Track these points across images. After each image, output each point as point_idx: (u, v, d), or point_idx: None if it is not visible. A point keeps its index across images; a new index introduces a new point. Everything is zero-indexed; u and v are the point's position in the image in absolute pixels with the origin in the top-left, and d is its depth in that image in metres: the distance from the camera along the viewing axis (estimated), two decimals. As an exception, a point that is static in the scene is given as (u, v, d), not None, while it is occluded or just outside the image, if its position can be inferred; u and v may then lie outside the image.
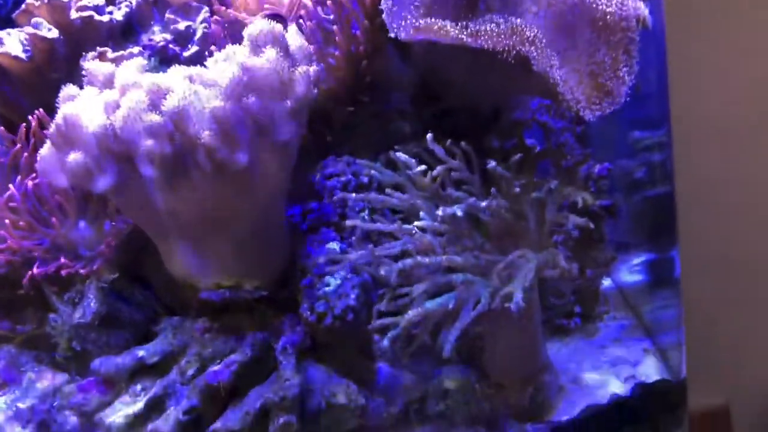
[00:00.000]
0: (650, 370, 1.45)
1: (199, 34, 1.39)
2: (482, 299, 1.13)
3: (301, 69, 1.05)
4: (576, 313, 1.54)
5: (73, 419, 1.23)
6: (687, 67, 1.38)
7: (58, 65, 1.32)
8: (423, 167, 1.18)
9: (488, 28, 1.08)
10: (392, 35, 1.13)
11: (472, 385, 1.36)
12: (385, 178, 1.23)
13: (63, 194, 1.19)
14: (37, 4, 1.31)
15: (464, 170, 1.21)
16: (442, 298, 1.16)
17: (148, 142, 1.00)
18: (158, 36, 1.38)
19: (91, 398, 1.22)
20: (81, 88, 1.10)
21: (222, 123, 0.98)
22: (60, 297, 1.23)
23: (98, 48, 1.26)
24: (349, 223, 1.19)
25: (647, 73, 1.30)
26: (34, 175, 1.19)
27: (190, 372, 1.22)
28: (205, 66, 1.10)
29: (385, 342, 1.13)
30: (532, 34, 1.08)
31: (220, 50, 1.11)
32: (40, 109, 1.22)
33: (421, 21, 1.11)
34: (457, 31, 1.08)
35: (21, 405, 1.22)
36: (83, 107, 1.04)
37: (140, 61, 1.11)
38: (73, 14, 1.32)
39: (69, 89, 1.08)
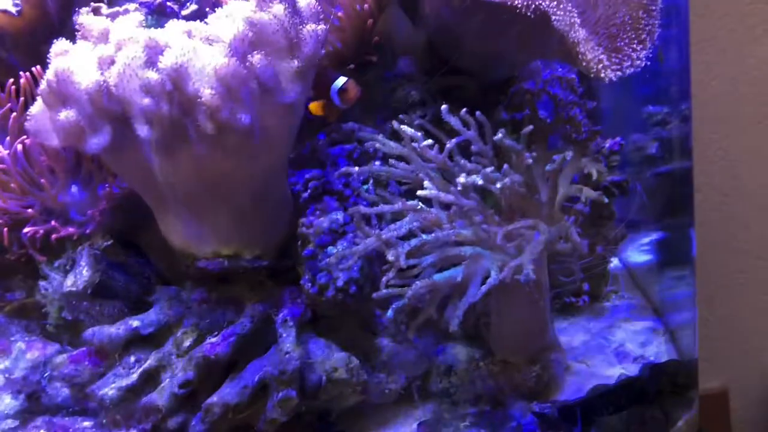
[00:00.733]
0: (659, 351, 1.42)
1: (198, -8, 1.32)
2: (492, 273, 1.09)
3: (310, 27, 0.99)
4: (585, 292, 1.49)
5: (64, 391, 1.18)
6: (706, 44, 1.33)
7: (49, 21, 1.26)
8: (429, 141, 1.13)
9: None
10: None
11: (476, 362, 1.32)
12: (390, 150, 1.18)
13: (54, 155, 1.13)
14: (28, -43, 1.25)
15: (478, 142, 1.16)
16: (450, 271, 1.12)
17: (145, 101, 0.94)
18: (156, -7, 1.32)
19: (83, 369, 1.17)
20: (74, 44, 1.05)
21: (225, 81, 0.92)
22: (50, 264, 1.18)
23: (92, 3, 1.20)
24: (351, 211, 1.13)
25: (669, 47, 1.25)
26: (24, 136, 1.13)
27: (187, 344, 1.17)
28: (205, 23, 1.04)
29: (390, 313, 1.09)
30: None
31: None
32: (37, 67, 1.15)
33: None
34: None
35: (11, 375, 1.17)
36: (76, 63, 0.98)
37: (137, 16, 1.05)
38: (67, -32, 1.26)
39: (61, 44, 1.02)
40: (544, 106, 1.50)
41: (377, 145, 1.15)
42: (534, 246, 1.10)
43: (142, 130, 0.96)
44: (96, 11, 1.17)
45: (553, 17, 0.99)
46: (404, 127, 1.12)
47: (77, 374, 1.17)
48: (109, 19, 1.06)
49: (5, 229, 1.12)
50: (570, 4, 1.01)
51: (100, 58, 0.98)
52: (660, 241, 1.64)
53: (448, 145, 1.14)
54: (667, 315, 1.50)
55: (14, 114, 1.13)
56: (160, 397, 1.14)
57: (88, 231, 1.12)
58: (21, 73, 1.20)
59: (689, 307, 1.39)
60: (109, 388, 1.15)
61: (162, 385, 1.15)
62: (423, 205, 1.12)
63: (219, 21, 1.01)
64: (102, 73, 0.97)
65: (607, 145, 1.58)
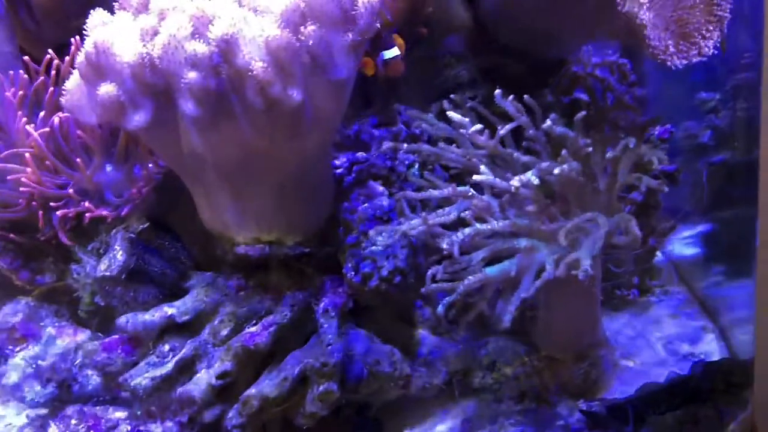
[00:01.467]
0: (710, 349, 1.36)
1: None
2: (547, 266, 1.03)
3: (364, -2, 0.92)
4: (634, 285, 1.43)
5: (95, 379, 1.14)
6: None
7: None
8: (479, 126, 1.06)
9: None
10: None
11: (521, 357, 1.27)
12: (438, 132, 1.12)
13: (90, 133, 1.07)
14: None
15: (532, 128, 1.10)
16: (504, 264, 1.06)
17: (191, 75, 0.88)
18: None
19: (115, 357, 1.13)
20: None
21: (276, 54, 0.86)
22: (83, 247, 1.12)
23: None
24: (399, 195, 1.07)
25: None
26: (59, 112, 1.07)
27: (224, 332, 1.12)
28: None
29: (440, 308, 1.03)
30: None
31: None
32: (75, 38, 1.09)
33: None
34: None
35: (41, 362, 1.13)
36: (116, 34, 0.93)
37: (180, -15, 0.99)
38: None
39: (100, 14, 0.96)
40: (594, 90, 1.44)
41: (425, 125, 1.09)
42: (594, 240, 1.04)
43: (187, 106, 0.90)
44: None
45: (620, -3, 0.93)
46: (451, 113, 1.05)
47: (110, 362, 1.12)
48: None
49: (38, 209, 1.07)
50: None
51: (142, 29, 0.92)
52: (708, 234, 1.57)
53: (500, 132, 1.08)
54: (717, 311, 1.44)
55: (50, 89, 1.08)
56: (196, 387, 1.09)
57: (123, 213, 1.07)
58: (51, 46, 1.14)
59: (744, 304, 1.33)
60: (143, 378, 1.10)
61: (198, 375, 1.10)
62: (474, 192, 1.06)
63: (268, -9, 0.95)
64: (144, 45, 0.91)
65: (656, 132, 1.51)
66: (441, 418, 1.23)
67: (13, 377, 1.11)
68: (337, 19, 0.90)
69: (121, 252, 1.08)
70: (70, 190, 1.09)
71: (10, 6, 1.22)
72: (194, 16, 0.89)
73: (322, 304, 1.14)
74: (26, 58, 1.15)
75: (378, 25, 0.95)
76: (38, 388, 1.11)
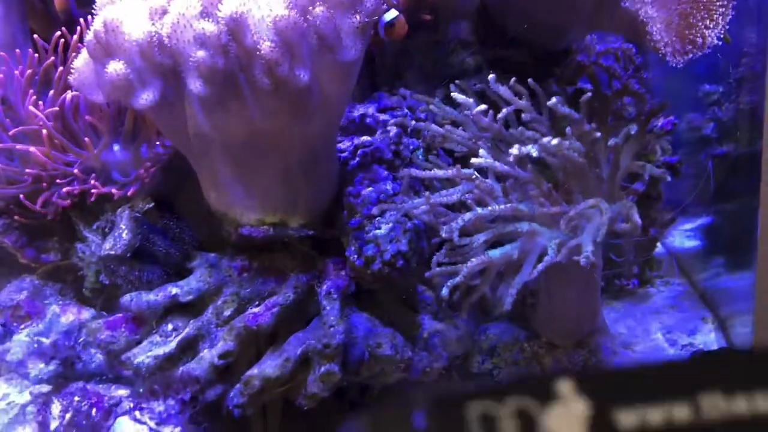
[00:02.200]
0: (708, 339, 1.37)
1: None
2: (549, 251, 1.03)
3: (372, -20, 0.93)
4: (634, 275, 1.44)
5: (99, 357, 1.14)
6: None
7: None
8: (483, 107, 1.07)
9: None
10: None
11: (521, 343, 1.27)
12: (445, 114, 1.12)
13: (97, 112, 1.08)
14: None
15: (532, 111, 1.10)
16: (506, 247, 1.06)
17: (199, 54, 0.89)
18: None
19: (119, 336, 1.13)
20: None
21: (284, 35, 0.87)
22: (89, 226, 1.13)
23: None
24: (403, 172, 1.08)
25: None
26: (68, 91, 1.08)
27: (227, 313, 1.13)
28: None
29: (445, 291, 1.04)
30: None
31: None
32: (89, 17, 1.10)
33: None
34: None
35: (44, 340, 1.13)
36: (126, 12, 0.93)
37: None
38: None
39: (109, -8, 0.97)
40: (600, 79, 1.44)
41: (432, 107, 1.10)
42: (596, 226, 1.04)
43: (195, 85, 0.91)
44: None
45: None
46: (456, 95, 1.06)
47: (113, 340, 1.13)
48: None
49: (44, 186, 1.07)
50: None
51: (151, 8, 0.92)
52: (709, 226, 1.58)
53: (503, 112, 1.08)
54: (716, 303, 1.45)
55: (60, 68, 1.08)
56: (198, 366, 1.10)
57: (130, 193, 1.07)
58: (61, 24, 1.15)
59: (743, 296, 1.33)
60: (146, 356, 1.11)
61: (201, 354, 1.11)
62: (478, 175, 1.07)
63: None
64: (153, 24, 0.91)
65: (660, 124, 1.52)
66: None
67: (17, 354, 1.12)
68: (345, 1, 0.90)
69: (126, 231, 1.08)
70: (75, 170, 1.09)
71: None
72: (203, -6, 0.89)
73: (324, 287, 1.14)
74: (36, 36, 1.16)
75: (384, 6, 0.95)
76: (42, 365, 1.12)
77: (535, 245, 1.07)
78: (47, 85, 1.10)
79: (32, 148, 1.01)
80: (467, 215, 1.05)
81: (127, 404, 1.09)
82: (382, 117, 1.19)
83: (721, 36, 1.13)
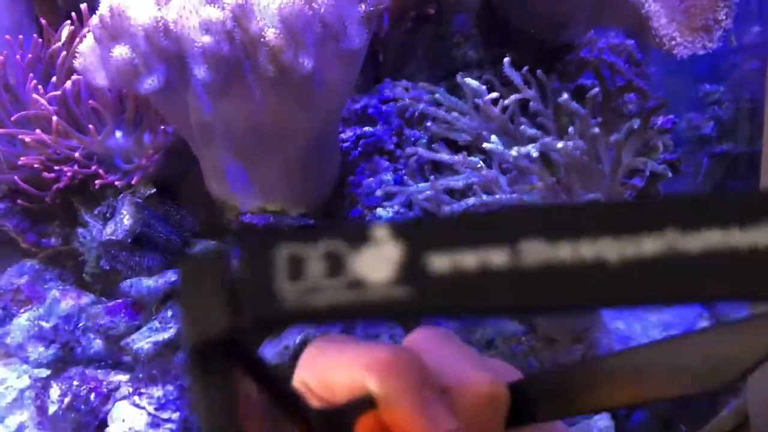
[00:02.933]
0: (705, 336, 1.37)
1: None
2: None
3: (377, -30, 0.94)
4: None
5: (98, 342, 1.15)
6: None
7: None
8: (495, 94, 1.08)
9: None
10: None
11: (518, 337, 1.28)
12: (450, 104, 1.13)
13: (100, 97, 1.08)
14: None
15: (539, 102, 1.11)
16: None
17: (204, 39, 0.89)
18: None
19: (118, 321, 1.14)
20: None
21: (288, 22, 0.87)
22: (90, 211, 1.13)
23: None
24: (409, 151, 1.08)
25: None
26: (72, 76, 1.08)
27: (226, 300, 1.13)
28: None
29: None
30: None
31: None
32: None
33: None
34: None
35: (44, 324, 1.14)
36: (132, -2, 0.93)
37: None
38: None
39: (116, -22, 0.97)
40: (603, 75, 1.45)
41: (437, 96, 1.10)
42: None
43: (199, 71, 0.91)
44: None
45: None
46: (468, 79, 1.07)
47: (113, 326, 1.13)
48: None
49: (46, 171, 1.08)
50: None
51: (157, -6, 0.93)
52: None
53: (510, 98, 1.09)
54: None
55: (63, 53, 1.09)
56: (197, 353, 1.10)
57: (133, 182, 1.08)
58: (66, 12, 1.15)
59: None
60: (145, 342, 1.11)
61: (200, 341, 1.12)
62: (483, 165, 1.07)
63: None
64: (159, 9, 0.92)
65: (659, 122, 1.52)
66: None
67: (17, 337, 1.12)
68: (351, -11, 0.91)
69: (127, 216, 1.09)
70: (76, 154, 1.10)
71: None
72: (209, -19, 0.90)
73: (324, 276, 1.15)
74: (43, 22, 1.16)
75: (390, -4, 0.96)
76: (41, 349, 1.12)
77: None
78: (51, 70, 1.10)
79: (37, 131, 1.02)
80: (471, 200, 1.05)
81: (125, 389, 1.09)
82: (385, 108, 1.19)
83: (725, 34, 1.13)
